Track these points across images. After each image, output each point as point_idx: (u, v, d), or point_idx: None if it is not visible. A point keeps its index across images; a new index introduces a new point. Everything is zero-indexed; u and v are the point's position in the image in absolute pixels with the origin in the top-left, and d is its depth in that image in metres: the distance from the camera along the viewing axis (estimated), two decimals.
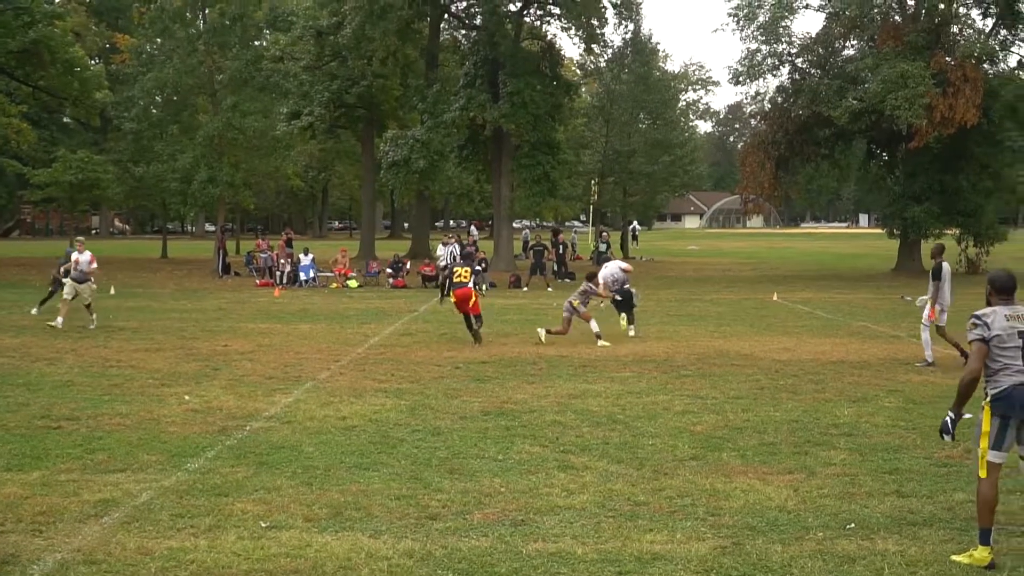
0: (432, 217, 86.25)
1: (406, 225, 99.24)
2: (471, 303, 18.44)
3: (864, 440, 10.24)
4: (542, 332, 18.75)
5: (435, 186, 53.74)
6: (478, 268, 28.60)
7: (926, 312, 15.94)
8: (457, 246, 33.09)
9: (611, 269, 20.64)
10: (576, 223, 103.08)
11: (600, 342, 18.22)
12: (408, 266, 37.16)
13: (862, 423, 11.11)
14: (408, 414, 11.58)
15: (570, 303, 18.84)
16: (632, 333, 19.87)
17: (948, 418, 7.07)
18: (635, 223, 72.77)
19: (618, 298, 20.08)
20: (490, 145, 43.41)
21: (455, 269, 19.76)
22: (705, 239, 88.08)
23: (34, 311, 23.45)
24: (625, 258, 50.14)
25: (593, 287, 19.19)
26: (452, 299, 18.74)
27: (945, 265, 15.94)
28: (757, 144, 42.64)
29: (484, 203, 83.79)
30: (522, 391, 13.18)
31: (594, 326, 18.50)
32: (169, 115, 46.00)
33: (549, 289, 33.47)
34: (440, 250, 33.68)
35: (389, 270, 36.06)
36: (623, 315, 20.22)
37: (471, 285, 18.68)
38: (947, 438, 7.12)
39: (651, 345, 18.28)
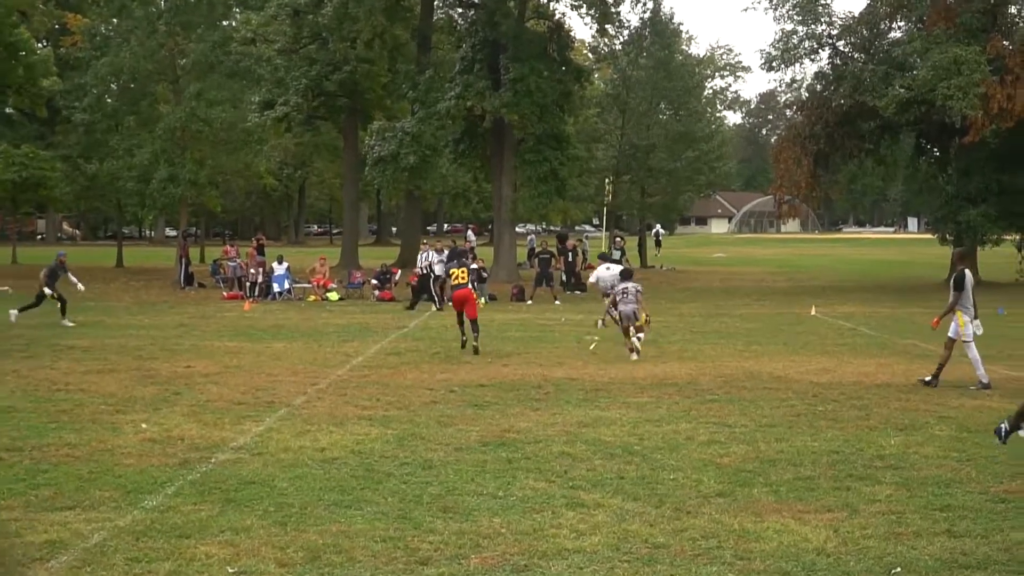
0: (424, 221, 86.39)
1: (394, 230, 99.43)
2: (471, 305, 20.44)
3: (912, 473, 10.25)
4: (635, 354, 19.32)
5: (427, 185, 53.84)
6: (474, 266, 29.18)
7: (954, 326, 16.00)
8: (432, 253, 33.34)
9: (615, 272, 22.65)
10: (588, 227, 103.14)
11: (633, 355, 19.09)
12: (397, 276, 37.19)
13: (910, 454, 11.12)
14: (396, 445, 11.60)
15: (635, 312, 19.73)
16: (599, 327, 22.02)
17: (1004, 424, 7.21)
18: (659, 227, 72.77)
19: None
20: (490, 139, 43.48)
21: (451, 271, 21.70)
22: (734, 245, 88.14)
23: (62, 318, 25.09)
24: (643, 267, 50.18)
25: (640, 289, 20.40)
26: (450, 304, 20.87)
27: (968, 273, 16.06)
28: (793, 138, 42.66)
29: (483, 205, 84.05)
30: (525, 419, 13.20)
31: (641, 336, 19.64)
32: (126, 105, 46.05)
33: (557, 303, 33.44)
34: (433, 258, 33.76)
35: (375, 281, 36.07)
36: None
37: (469, 286, 20.81)
38: (997, 441, 7.29)
39: (672, 366, 18.30)
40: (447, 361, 19.03)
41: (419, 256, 34.81)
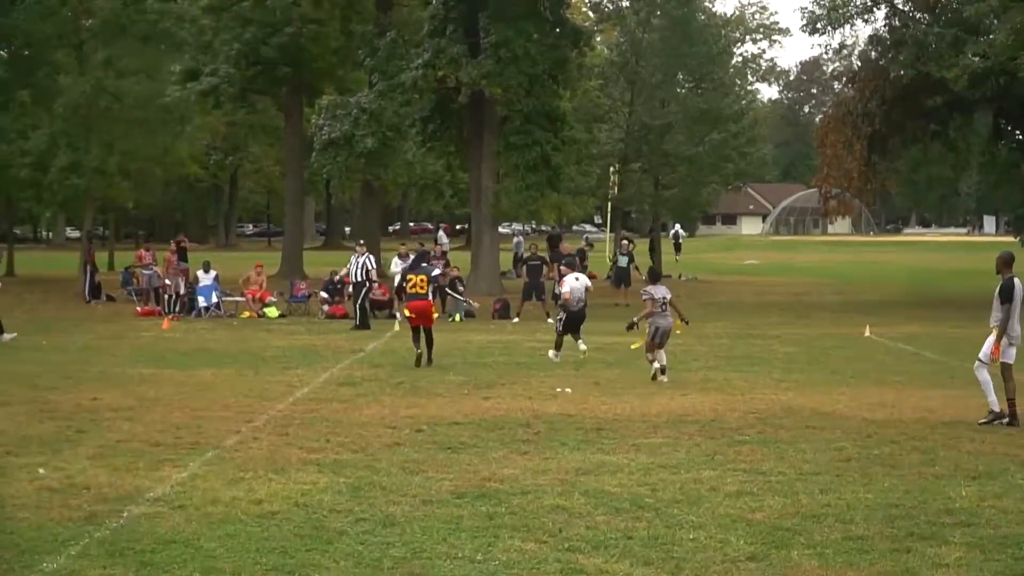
0: (384, 219, 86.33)
1: (347, 230, 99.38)
2: (429, 317, 22.35)
3: (988, 532, 10.29)
4: (657, 366, 20.50)
5: (389, 174, 53.77)
6: (436, 272, 29.22)
7: (987, 346, 16.07)
8: (371, 258, 33.05)
9: (584, 282, 24.00)
10: (588, 227, 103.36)
11: (657, 370, 20.41)
12: (350, 287, 37.18)
13: (985, 508, 11.16)
14: (350, 496, 11.61)
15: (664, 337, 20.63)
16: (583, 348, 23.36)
17: None
18: (678, 227, 72.96)
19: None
20: (466, 117, 43.52)
21: (408, 277, 22.83)
22: (769, 250, 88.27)
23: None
24: (661, 275, 50.22)
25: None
26: (408, 314, 22.31)
27: (1017, 282, 16.10)
28: (842, 117, 42.78)
29: (458, 199, 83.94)
30: (511, 464, 13.21)
31: (662, 357, 20.66)
32: (18, 76, 45.99)
33: (549, 320, 33.36)
34: (395, 265, 33.70)
35: (323, 293, 36.04)
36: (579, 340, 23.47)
37: (429, 297, 22.52)
38: None
39: (693, 399, 18.33)
40: (413, 393, 19.01)
41: (351, 261, 33.87)
